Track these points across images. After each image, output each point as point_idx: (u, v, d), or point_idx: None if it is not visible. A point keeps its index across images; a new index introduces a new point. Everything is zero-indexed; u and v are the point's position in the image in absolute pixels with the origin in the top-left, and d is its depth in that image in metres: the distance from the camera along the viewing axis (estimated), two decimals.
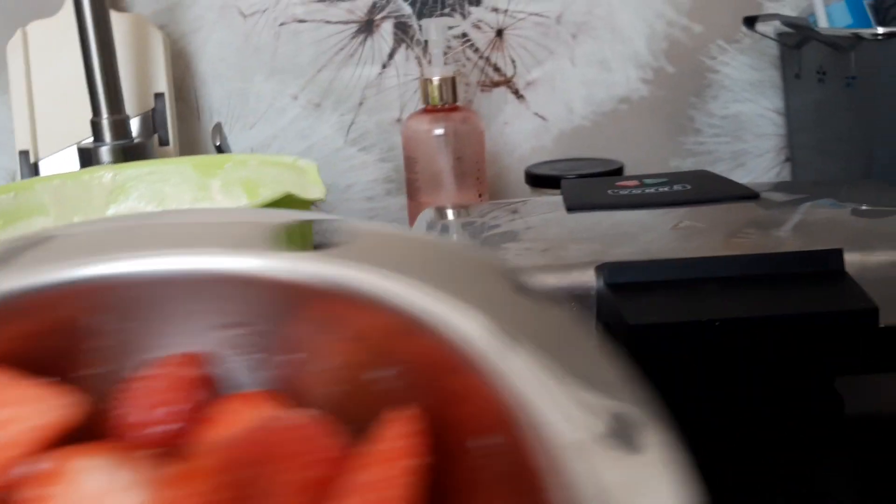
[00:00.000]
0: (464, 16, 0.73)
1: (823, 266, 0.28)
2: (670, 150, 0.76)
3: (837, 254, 0.29)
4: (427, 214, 0.43)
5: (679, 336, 0.26)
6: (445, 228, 0.40)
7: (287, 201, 0.37)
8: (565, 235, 0.35)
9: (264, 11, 0.73)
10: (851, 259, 0.29)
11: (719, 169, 0.77)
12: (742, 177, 0.77)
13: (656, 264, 0.29)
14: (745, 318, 0.26)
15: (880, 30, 0.56)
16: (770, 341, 0.26)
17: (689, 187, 0.41)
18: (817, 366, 0.28)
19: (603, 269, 0.30)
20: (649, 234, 0.34)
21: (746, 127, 0.76)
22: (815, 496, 0.30)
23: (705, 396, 0.29)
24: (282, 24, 0.73)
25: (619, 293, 0.28)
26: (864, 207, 0.37)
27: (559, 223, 0.37)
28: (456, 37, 0.73)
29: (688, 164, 0.77)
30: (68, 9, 0.70)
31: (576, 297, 0.30)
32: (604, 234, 0.34)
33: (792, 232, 0.33)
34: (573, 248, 0.33)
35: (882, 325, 0.29)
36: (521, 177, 0.74)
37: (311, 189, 0.40)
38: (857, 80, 0.59)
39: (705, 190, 0.40)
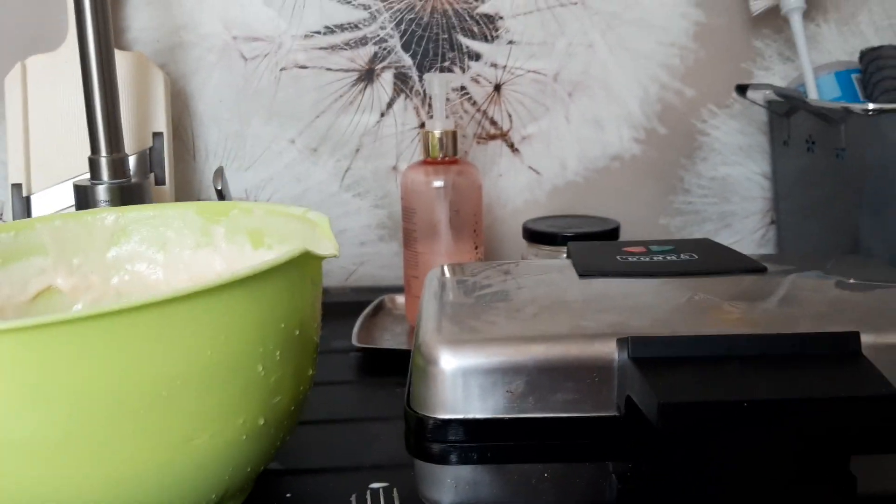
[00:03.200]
0: (463, 70, 0.74)
1: (842, 348, 0.29)
2: (660, 208, 0.78)
3: (855, 337, 0.29)
4: (435, 273, 0.43)
5: (707, 415, 0.26)
6: (454, 287, 0.40)
7: (303, 258, 0.37)
8: (582, 303, 0.35)
9: (266, 56, 0.74)
10: (867, 340, 0.30)
11: (706, 229, 0.78)
12: (728, 237, 0.78)
13: (681, 340, 0.30)
14: (773, 400, 0.26)
15: (871, 105, 0.58)
16: (794, 422, 0.27)
17: (695, 257, 0.41)
18: (836, 446, 0.29)
19: (626, 342, 0.30)
20: (666, 306, 0.34)
21: (734, 189, 0.78)
22: None
23: (726, 471, 0.30)
24: (283, 69, 0.74)
25: (645, 368, 0.29)
26: (854, 281, 0.38)
27: (573, 289, 0.38)
28: (455, 89, 0.74)
29: (676, 223, 0.78)
30: (69, 45, 0.70)
31: (597, 368, 0.31)
32: (621, 305, 0.35)
33: (805, 309, 0.34)
34: (592, 317, 0.33)
35: None
36: (514, 228, 0.75)
37: (324, 244, 0.40)
38: (847, 152, 0.61)
39: (712, 261, 0.41)
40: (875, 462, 0.30)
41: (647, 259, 0.41)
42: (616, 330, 0.31)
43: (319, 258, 0.39)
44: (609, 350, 0.31)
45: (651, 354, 0.29)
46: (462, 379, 0.31)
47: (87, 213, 0.51)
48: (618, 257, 0.42)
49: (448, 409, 0.31)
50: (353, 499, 0.40)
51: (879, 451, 0.29)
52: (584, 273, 0.40)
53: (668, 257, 0.41)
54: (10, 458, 0.32)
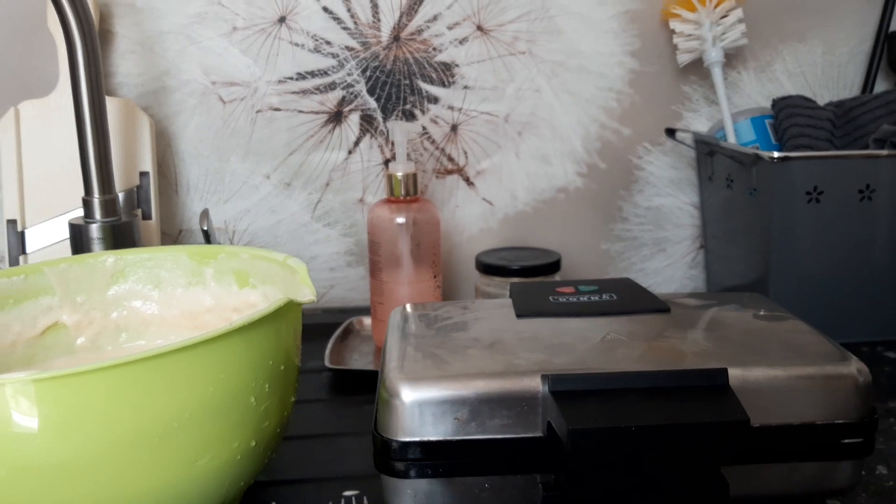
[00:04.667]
0: (423, 111, 0.82)
1: (713, 381, 0.37)
2: (601, 235, 0.86)
3: (723, 372, 0.38)
4: (398, 312, 0.51)
5: (606, 437, 0.34)
6: (413, 327, 0.48)
7: (287, 306, 0.44)
8: (516, 342, 0.43)
9: (243, 99, 0.81)
10: (734, 374, 0.38)
11: (643, 253, 0.87)
12: (662, 260, 0.87)
13: (590, 376, 0.38)
14: (653, 425, 0.34)
15: (776, 154, 0.67)
16: (670, 442, 0.35)
17: (615, 297, 0.50)
18: (706, 459, 0.37)
19: (548, 378, 0.38)
20: (584, 345, 0.42)
21: (667, 217, 0.86)
22: None
23: (624, 479, 0.38)
24: (258, 112, 0.81)
25: (560, 400, 0.37)
26: (738, 318, 0.47)
27: (511, 329, 0.46)
28: (416, 132, 0.82)
29: (616, 248, 0.87)
30: (60, 91, 0.77)
31: (525, 399, 0.39)
32: (547, 343, 0.43)
33: (692, 346, 0.42)
34: (523, 356, 0.41)
35: (756, 426, 0.39)
36: (470, 254, 0.83)
37: (303, 291, 0.47)
38: (758, 191, 0.70)
39: (627, 302, 0.49)
40: (742, 470, 0.39)
41: (575, 300, 0.49)
42: (541, 367, 0.39)
43: (300, 305, 0.46)
44: (535, 384, 0.39)
45: (565, 388, 0.37)
46: (418, 409, 0.39)
47: (89, 257, 0.58)
48: (550, 298, 0.50)
49: (407, 433, 0.39)
50: None
51: (738, 463, 0.38)
52: (520, 314, 0.47)
53: (592, 298, 0.49)
54: (46, 480, 0.38)
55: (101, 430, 0.38)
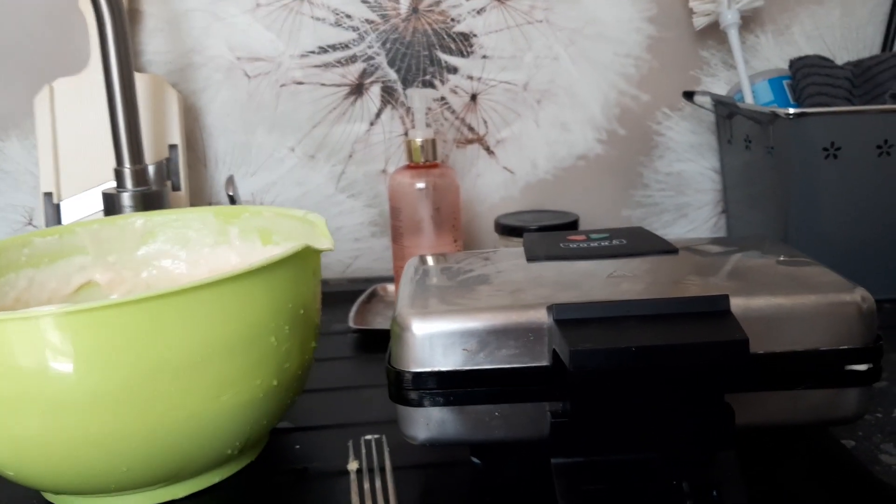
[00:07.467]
0: (443, 82, 0.83)
1: (714, 307, 0.38)
2: (622, 201, 0.87)
3: (724, 298, 0.39)
4: (413, 261, 0.52)
5: (606, 357, 0.35)
6: (426, 272, 0.49)
7: (305, 251, 0.46)
8: (525, 281, 0.45)
9: (267, 74, 0.83)
10: (737, 302, 0.39)
11: (664, 219, 0.87)
12: (684, 226, 0.88)
13: (592, 305, 0.39)
14: (652, 345, 0.35)
15: (791, 110, 0.67)
16: (670, 362, 0.36)
17: (624, 242, 0.51)
18: (707, 383, 0.38)
19: (552, 308, 0.39)
20: (590, 281, 0.44)
21: (688, 183, 0.87)
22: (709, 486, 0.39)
23: (630, 407, 0.39)
24: (282, 86, 0.83)
25: (564, 326, 0.38)
26: (745, 258, 0.47)
27: (520, 271, 0.47)
28: (435, 100, 0.83)
29: (637, 215, 0.87)
30: (91, 68, 0.80)
31: (532, 330, 0.40)
32: (554, 281, 0.44)
33: (697, 279, 0.43)
34: (530, 292, 0.43)
35: (761, 353, 0.39)
36: (492, 223, 0.84)
37: (321, 240, 0.49)
38: (775, 150, 0.71)
39: (637, 245, 0.50)
40: (748, 399, 0.40)
41: (585, 245, 0.50)
42: (547, 300, 0.41)
43: (318, 251, 0.48)
44: (541, 316, 0.40)
45: (569, 316, 0.38)
46: (429, 341, 0.40)
47: (119, 218, 0.60)
48: (561, 244, 0.51)
49: (419, 364, 0.41)
50: (349, 444, 0.49)
51: (743, 390, 0.39)
52: (531, 258, 0.49)
53: (602, 243, 0.50)
54: (81, 411, 0.40)
55: (130, 362, 0.40)
